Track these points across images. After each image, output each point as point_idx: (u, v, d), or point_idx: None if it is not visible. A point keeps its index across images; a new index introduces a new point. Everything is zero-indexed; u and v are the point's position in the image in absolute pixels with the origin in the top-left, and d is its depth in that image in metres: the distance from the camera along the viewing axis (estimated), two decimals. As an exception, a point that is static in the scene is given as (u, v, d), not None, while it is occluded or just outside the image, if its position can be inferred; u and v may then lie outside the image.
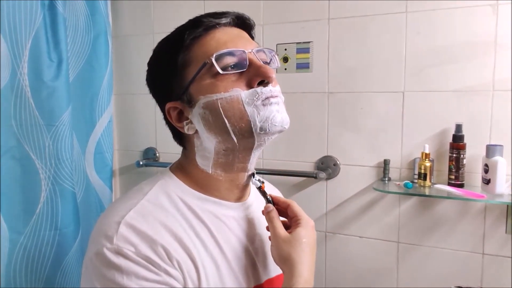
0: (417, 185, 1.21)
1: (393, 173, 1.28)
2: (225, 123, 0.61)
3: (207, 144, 0.65)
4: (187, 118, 0.65)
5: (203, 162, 0.67)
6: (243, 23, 0.68)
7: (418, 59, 1.23)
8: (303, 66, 1.37)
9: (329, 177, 1.36)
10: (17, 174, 1.22)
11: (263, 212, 0.69)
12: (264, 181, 0.72)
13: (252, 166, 0.69)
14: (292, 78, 1.39)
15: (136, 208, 0.61)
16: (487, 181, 1.11)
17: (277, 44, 1.40)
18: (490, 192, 1.10)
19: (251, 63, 0.62)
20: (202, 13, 0.66)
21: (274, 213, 0.67)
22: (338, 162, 1.35)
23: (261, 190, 0.71)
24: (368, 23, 1.27)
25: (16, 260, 1.21)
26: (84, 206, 1.43)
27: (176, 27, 0.66)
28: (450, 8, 1.18)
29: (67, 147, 1.30)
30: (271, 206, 0.68)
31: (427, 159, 1.19)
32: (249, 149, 0.65)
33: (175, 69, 0.64)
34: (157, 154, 1.62)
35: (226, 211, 0.68)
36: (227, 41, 0.63)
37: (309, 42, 1.36)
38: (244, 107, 0.61)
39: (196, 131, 0.66)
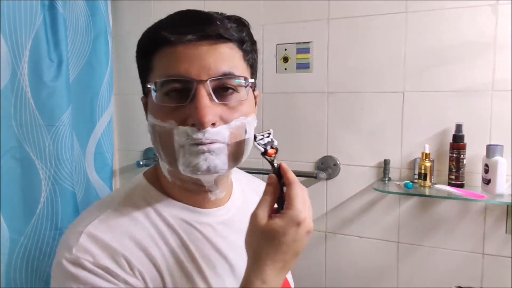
0: (417, 185, 1.21)
1: (393, 173, 1.28)
2: (160, 149, 0.60)
3: None
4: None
5: (165, 170, 0.65)
6: (218, 37, 0.57)
7: (418, 59, 1.23)
8: (303, 66, 1.37)
9: (329, 177, 1.36)
10: (17, 174, 1.22)
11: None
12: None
13: (213, 188, 0.64)
14: (292, 78, 1.39)
15: (102, 217, 0.59)
16: (487, 181, 1.11)
17: (277, 44, 1.40)
18: (490, 192, 1.10)
19: (194, 98, 0.55)
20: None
21: (271, 187, 0.57)
22: (338, 162, 1.35)
23: (266, 157, 0.60)
24: (368, 23, 1.27)
25: (17, 260, 1.21)
26: (84, 206, 1.43)
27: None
28: (450, 8, 1.18)
29: (67, 147, 1.30)
30: (273, 177, 0.58)
31: (427, 159, 1.19)
32: (195, 178, 0.60)
33: (143, 69, 0.63)
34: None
35: (199, 218, 0.65)
36: (182, 62, 0.55)
37: (309, 42, 1.36)
38: (174, 143, 0.57)
39: None
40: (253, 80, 0.62)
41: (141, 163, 1.58)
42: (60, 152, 1.28)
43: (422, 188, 1.19)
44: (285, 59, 1.39)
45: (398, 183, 1.24)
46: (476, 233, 1.20)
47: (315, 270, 1.41)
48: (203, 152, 0.56)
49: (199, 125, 0.54)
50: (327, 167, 1.36)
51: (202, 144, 0.55)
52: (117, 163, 1.70)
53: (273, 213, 0.56)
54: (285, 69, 1.40)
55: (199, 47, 0.56)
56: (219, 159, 0.57)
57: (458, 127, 1.16)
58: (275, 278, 0.54)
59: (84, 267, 0.54)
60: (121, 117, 1.67)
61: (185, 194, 0.65)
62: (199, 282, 0.61)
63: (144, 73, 0.62)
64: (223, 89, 0.58)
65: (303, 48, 1.37)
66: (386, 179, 1.27)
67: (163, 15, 0.64)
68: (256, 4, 1.41)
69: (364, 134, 1.32)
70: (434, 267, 1.26)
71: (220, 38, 0.57)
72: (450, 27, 1.18)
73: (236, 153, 0.60)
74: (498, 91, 1.15)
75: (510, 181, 1.11)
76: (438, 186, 1.18)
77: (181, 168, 0.57)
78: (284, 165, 0.59)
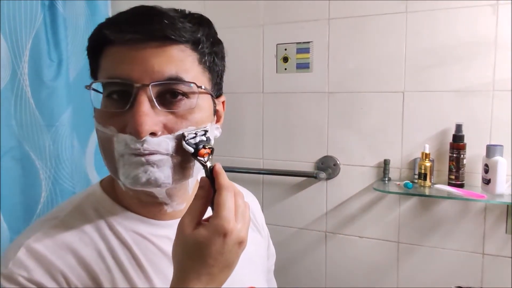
0: (417, 185, 1.21)
1: (393, 173, 1.28)
2: (103, 157, 0.55)
3: None
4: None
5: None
6: (168, 38, 0.51)
7: (418, 59, 1.23)
8: (303, 66, 1.37)
9: (329, 177, 1.36)
10: (18, 174, 1.22)
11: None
12: (212, 147, 0.55)
13: (168, 200, 0.58)
14: (292, 78, 1.39)
15: (46, 230, 0.56)
16: (487, 181, 1.11)
17: (277, 44, 1.40)
18: (490, 192, 1.10)
19: (134, 104, 0.50)
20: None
21: (202, 191, 0.51)
22: (338, 162, 1.35)
23: (198, 158, 0.53)
24: (368, 23, 1.27)
25: (17, 260, 1.21)
26: (84, 206, 1.43)
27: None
28: (450, 8, 1.18)
29: (67, 147, 1.30)
30: (205, 181, 0.52)
31: (427, 159, 1.19)
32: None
33: (92, 68, 0.59)
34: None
35: (156, 231, 0.59)
36: (124, 63, 0.51)
37: (309, 42, 1.36)
38: (114, 151, 0.52)
39: None
40: (204, 87, 0.54)
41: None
42: (60, 152, 1.28)
43: (422, 188, 1.19)
44: (285, 59, 1.39)
45: (398, 183, 1.24)
46: (476, 233, 1.20)
47: (315, 270, 1.41)
48: (142, 164, 0.50)
49: (135, 134, 0.49)
50: (327, 167, 1.36)
51: (140, 155, 0.50)
52: (117, 163, 1.70)
53: (205, 221, 0.51)
54: (285, 69, 1.40)
55: (144, 48, 0.51)
56: (161, 171, 0.51)
57: (458, 127, 1.16)
58: None
59: (17, 283, 0.51)
60: (121, 117, 1.67)
61: (140, 204, 0.60)
62: None
63: (93, 73, 0.58)
64: (171, 95, 0.52)
65: (303, 48, 1.37)
66: (386, 179, 1.27)
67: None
68: (256, 4, 1.41)
69: (364, 134, 1.32)
70: (434, 267, 1.26)
71: (167, 39, 0.51)
72: (450, 27, 1.18)
73: (184, 166, 0.54)
74: (498, 91, 1.15)
75: (510, 181, 1.11)
76: (438, 186, 1.18)
77: (121, 178, 0.53)
78: (219, 167, 0.52)
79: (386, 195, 1.29)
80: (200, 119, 0.54)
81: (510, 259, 1.17)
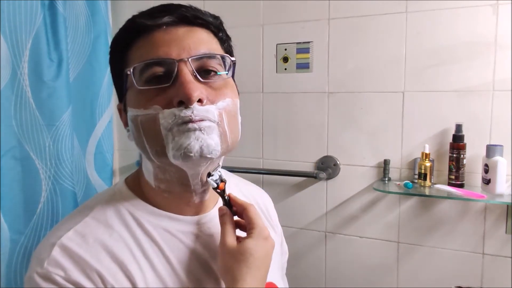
0: (417, 185, 1.21)
1: (393, 173, 1.28)
2: (144, 143, 0.56)
3: (142, 155, 0.60)
4: (128, 125, 0.60)
5: (147, 174, 0.62)
6: (194, 21, 0.57)
7: (418, 59, 1.23)
8: (303, 66, 1.37)
9: (329, 177, 1.36)
10: (18, 174, 1.22)
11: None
12: (227, 178, 0.62)
13: (199, 186, 0.60)
14: (292, 78, 1.39)
15: (77, 227, 0.56)
16: (487, 181, 1.11)
17: (277, 44, 1.40)
18: (490, 192, 1.10)
19: (178, 77, 0.53)
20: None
21: (227, 217, 0.60)
22: (338, 162, 1.35)
23: (218, 191, 0.61)
24: (368, 23, 1.27)
25: (17, 260, 1.21)
26: (84, 206, 1.43)
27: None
28: (450, 8, 1.18)
29: (67, 147, 1.30)
30: (224, 209, 0.61)
31: (427, 159, 1.19)
32: (182, 172, 0.57)
33: (117, 69, 0.60)
34: (157, 154, 1.62)
35: (182, 227, 0.61)
36: (161, 45, 0.55)
37: (309, 42, 1.36)
38: (160, 128, 0.53)
39: None
40: (234, 59, 0.60)
41: (141, 163, 1.58)
42: (60, 152, 1.28)
43: (422, 188, 1.19)
44: (285, 59, 1.39)
45: (398, 183, 1.24)
46: (476, 233, 1.20)
47: (315, 270, 1.41)
48: (194, 129, 0.52)
49: (187, 100, 0.52)
50: (327, 167, 1.36)
51: (191, 121, 0.52)
52: (117, 163, 1.71)
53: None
54: (285, 69, 1.40)
55: (176, 31, 0.56)
56: (211, 138, 0.53)
57: (458, 127, 1.16)
58: None
59: (54, 282, 0.52)
60: (121, 117, 1.67)
61: (168, 200, 0.61)
62: None
63: (120, 71, 0.59)
64: (204, 71, 0.56)
65: (303, 48, 1.37)
66: (386, 179, 1.27)
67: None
68: (256, 4, 1.41)
69: (364, 134, 1.32)
70: (434, 267, 1.26)
71: (196, 23, 0.57)
72: (450, 27, 1.18)
73: (227, 135, 0.56)
74: (498, 91, 1.15)
75: (510, 181, 1.11)
76: (438, 186, 1.18)
77: (171, 154, 0.53)
78: (233, 195, 0.62)
79: (386, 195, 1.29)
80: (231, 93, 0.58)
81: (510, 259, 1.17)
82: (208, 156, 0.53)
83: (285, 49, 1.39)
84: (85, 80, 1.45)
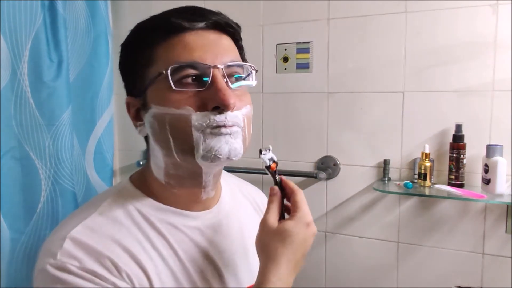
0: (417, 185, 1.21)
1: (393, 173, 1.28)
2: (170, 141, 0.57)
3: (157, 152, 0.61)
4: (142, 120, 0.61)
5: (157, 170, 0.63)
6: (224, 28, 0.60)
7: (418, 59, 1.23)
8: (303, 66, 1.37)
9: (329, 177, 1.36)
10: (18, 174, 1.22)
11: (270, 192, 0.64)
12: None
13: (209, 183, 0.63)
14: (292, 78, 1.39)
15: (85, 222, 0.58)
16: (487, 181, 1.11)
17: (277, 44, 1.40)
18: (490, 192, 1.10)
19: (213, 82, 0.56)
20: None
21: (276, 197, 0.62)
22: (338, 162, 1.35)
23: (269, 169, 0.64)
24: (368, 23, 1.27)
25: (17, 259, 1.22)
26: (84, 206, 1.43)
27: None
28: (450, 8, 1.18)
29: (67, 147, 1.30)
30: (276, 189, 0.63)
31: (427, 159, 1.19)
32: (197, 169, 0.60)
33: (138, 65, 0.60)
34: (157, 154, 1.62)
35: (187, 222, 0.63)
36: (196, 49, 0.56)
37: (309, 42, 1.36)
38: (191, 129, 0.55)
39: (148, 135, 0.62)
40: (257, 70, 0.64)
41: (141, 163, 1.58)
42: (60, 151, 1.28)
43: (422, 188, 1.19)
44: (285, 59, 1.39)
45: (398, 183, 1.24)
46: (476, 233, 1.20)
47: (315, 270, 1.41)
48: (225, 134, 0.56)
49: (224, 107, 0.55)
50: (327, 167, 1.36)
51: (225, 126, 0.56)
52: (117, 163, 1.71)
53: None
54: (285, 69, 1.40)
55: (208, 35, 0.58)
56: (237, 142, 0.58)
57: (458, 127, 1.16)
58: (289, 277, 0.57)
59: (70, 272, 0.52)
60: (121, 117, 1.67)
61: (176, 196, 0.63)
62: (188, 286, 0.60)
63: (142, 67, 0.59)
64: (232, 77, 0.59)
65: (303, 48, 1.37)
66: (386, 179, 1.27)
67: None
68: (256, 4, 1.41)
69: (364, 134, 1.32)
70: (434, 267, 1.26)
71: (227, 28, 0.60)
72: (450, 27, 1.18)
73: (246, 139, 0.61)
74: (498, 91, 1.15)
75: (510, 181, 1.11)
76: (438, 186, 1.18)
77: (200, 154, 0.56)
78: (284, 178, 0.65)
79: (386, 195, 1.29)
80: (249, 100, 0.62)
81: (510, 259, 1.17)
82: (234, 158, 0.57)
83: (285, 49, 1.39)
84: (85, 80, 1.46)
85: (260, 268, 0.58)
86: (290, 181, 0.64)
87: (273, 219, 0.59)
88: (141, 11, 1.56)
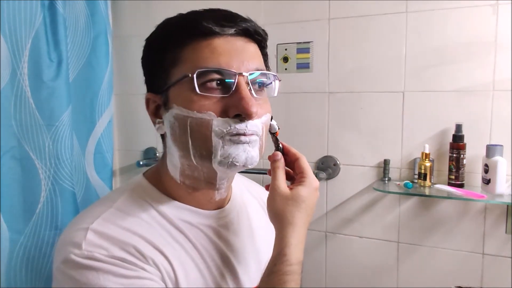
0: (417, 185, 1.21)
1: (393, 173, 1.28)
2: (189, 143, 0.58)
3: (174, 151, 0.61)
4: (161, 117, 0.62)
5: (172, 169, 0.64)
6: (252, 35, 0.60)
7: (418, 59, 1.23)
8: (303, 66, 1.37)
9: (329, 177, 1.36)
10: (17, 174, 1.22)
11: (269, 159, 0.65)
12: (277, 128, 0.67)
13: (223, 186, 0.64)
14: (292, 78, 1.39)
15: (104, 215, 0.58)
16: (487, 181, 1.11)
17: (277, 44, 1.40)
18: (490, 192, 1.10)
19: (237, 89, 0.56)
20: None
21: (280, 163, 0.64)
22: (338, 162, 1.35)
23: (275, 135, 0.67)
24: (368, 23, 1.27)
25: (16, 259, 1.21)
26: (84, 206, 1.43)
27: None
28: (450, 8, 1.18)
29: (67, 147, 1.30)
30: (279, 154, 0.65)
31: (427, 159, 1.19)
32: (213, 173, 0.61)
33: (163, 62, 0.60)
34: (158, 154, 1.62)
35: (202, 220, 0.65)
36: (222, 54, 0.56)
37: (309, 42, 1.36)
38: (211, 135, 0.56)
39: (166, 133, 0.62)
40: (280, 80, 0.65)
41: (141, 163, 1.58)
42: (60, 151, 1.28)
43: (422, 188, 1.19)
44: (285, 59, 1.39)
45: (398, 183, 1.24)
46: (476, 233, 1.20)
47: (315, 270, 1.41)
48: (244, 142, 0.57)
49: (247, 116, 0.55)
50: (327, 167, 1.36)
51: (244, 135, 0.56)
52: (117, 163, 1.70)
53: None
54: (285, 69, 1.40)
55: (235, 41, 0.58)
56: (254, 151, 0.58)
57: (458, 127, 1.16)
58: (304, 238, 0.62)
59: (99, 260, 0.53)
60: (121, 117, 1.67)
61: (191, 195, 0.64)
62: (209, 279, 0.62)
63: (167, 65, 0.59)
64: (255, 84, 0.59)
65: (303, 48, 1.37)
66: (386, 179, 1.27)
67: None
68: (256, 4, 1.41)
69: (364, 134, 1.32)
70: (434, 267, 1.26)
71: (255, 35, 0.60)
72: (450, 27, 1.18)
73: (262, 147, 0.62)
74: (498, 91, 1.15)
75: (510, 181, 1.11)
76: (438, 186, 1.18)
77: (217, 160, 0.57)
78: (285, 144, 0.68)
79: (386, 195, 1.29)
80: (269, 108, 0.63)
81: (510, 259, 1.17)
82: (250, 166, 0.58)
83: (285, 49, 1.39)
84: (85, 80, 1.45)
85: (277, 233, 0.60)
86: (291, 147, 0.68)
87: (284, 185, 0.61)
88: (141, 11, 1.55)
